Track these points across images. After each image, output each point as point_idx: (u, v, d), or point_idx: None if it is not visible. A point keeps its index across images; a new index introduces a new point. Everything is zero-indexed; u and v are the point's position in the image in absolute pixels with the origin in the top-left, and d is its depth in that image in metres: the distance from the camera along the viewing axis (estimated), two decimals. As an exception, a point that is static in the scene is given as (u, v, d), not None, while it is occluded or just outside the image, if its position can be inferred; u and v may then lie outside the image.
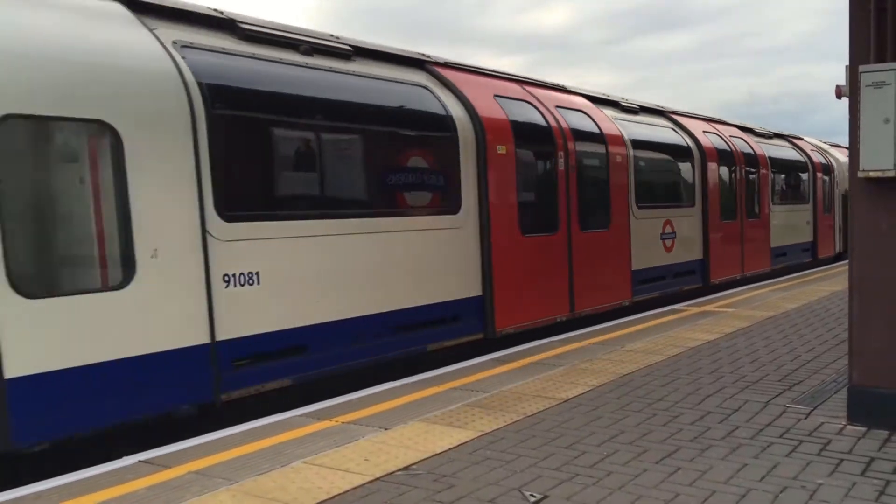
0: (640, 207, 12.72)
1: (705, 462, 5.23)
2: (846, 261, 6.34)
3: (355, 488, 4.81)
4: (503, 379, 7.71)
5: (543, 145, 10.63)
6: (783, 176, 18.97)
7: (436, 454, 5.44)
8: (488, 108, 9.83)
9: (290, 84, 7.72)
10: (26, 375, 5.42)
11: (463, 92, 9.70)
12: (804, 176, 20.19)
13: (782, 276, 17.94)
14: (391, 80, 8.95)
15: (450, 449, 5.55)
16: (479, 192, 9.46)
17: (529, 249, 10.17)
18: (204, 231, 6.49)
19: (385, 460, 5.31)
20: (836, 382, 7.30)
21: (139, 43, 6.41)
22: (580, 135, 11.36)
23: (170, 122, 6.32)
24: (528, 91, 11.05)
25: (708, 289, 14.82)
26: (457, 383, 7.56)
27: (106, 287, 5.92)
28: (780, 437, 5.76)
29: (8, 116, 5.34)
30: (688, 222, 14.31)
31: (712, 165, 15.05)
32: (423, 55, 9.90)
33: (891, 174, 5.67)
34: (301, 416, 6.52)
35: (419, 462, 5.28)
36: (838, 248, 22.14)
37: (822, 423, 6.07)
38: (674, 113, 15.34)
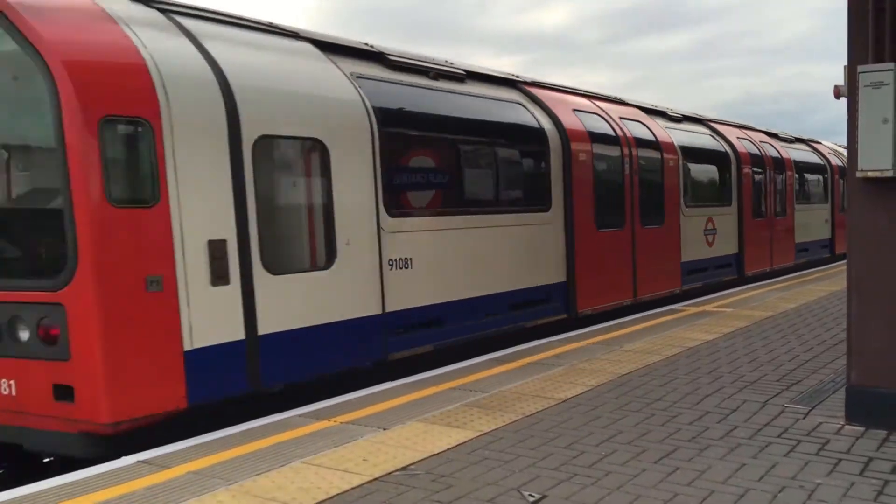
0: (687, 206, 14.30)
1: (704, 462, 5.24)
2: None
3: (354, 488, 4.81)
4: (502, 379, 7.71)
5: (612, 152, 12.21)
6: (805, 177, 20.41)
7: (434, 454, 5.44)
8: (570, 120, 11.39)
9: (426, 104, 9.40)
10: (270, 333, 6.96)
11: (549, 107, 11.27)
12: (823, 177, 21.85)
13: (805, 269, 19.23)
14: (495, 99, 10.59)
15: (448, 449, 5.55)
16: (565, 193, 11.00)
17: (603, 242, 11.76)
18: (378, 225, 8.11)
19: (384, 460, 5.31)
20: (834, 382, 7.31)
21: (332, 76, 8.09)
22: (640, 142, 12.97)
23: (357, 139, 7.94)
24: (597, 105, 12.65)
25: (743, 280, 16.28)
26: (455, 383, 7.56)
27: (316, 268, 7.56)
28: (779, 436, 5.76)
29: (261, 137, 6.94)
30: (726, 220, 15.78)
31: (746, 169, 16.59)
32: (515, 76, 11.49)
33: (889, 174, 5.68)
34: (300, 416, 6.52)
35: (418, 462, 5.28)
36: None
37: (821, 423, 6.07)
38: (711, 121, 16.93)
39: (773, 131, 20.30)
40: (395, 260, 8.32)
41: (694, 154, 14.89)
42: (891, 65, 5.64)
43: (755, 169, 17.07)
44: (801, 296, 13.88)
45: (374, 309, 8.07)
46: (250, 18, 7.95)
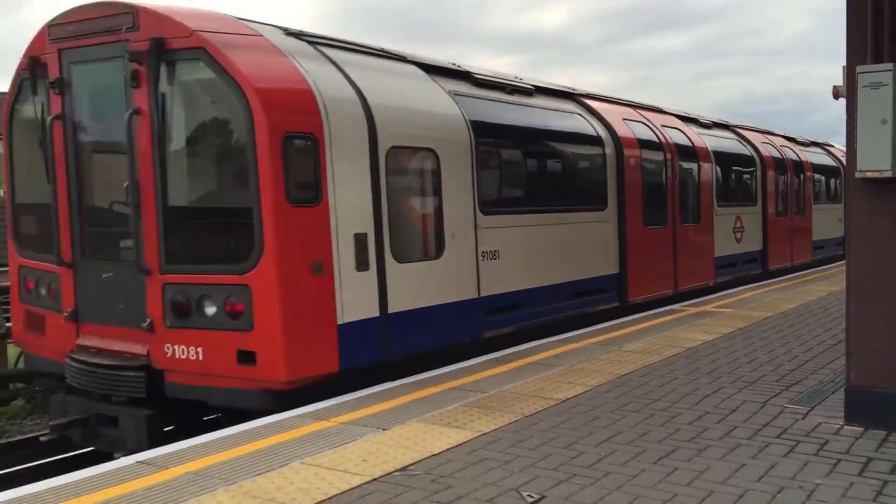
0: (719, 206, 15.56)
1: (703, 462, 5.24)
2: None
3: (353, 489, 4.81)
4: (501, 379, 7.71)
5: (657, 157, 13.51)
6: (820, 178, 21.55)
7: (434, 454, 5.44)
8: (621, 129, 12.67)
9: (506, 116, 10.64)
10: (397, 312, 8.23)
11: (604, 116, 12.55)
12: (837, 179, 22.75)
13: (820, 265, 20.04)
14: (559, 110, 11.88)
15: (448, 449, 5.55)
16: (618, 194, 12.24)
17: (649, 238, 13.00)
18: (475, 221, 9.38)
19: (383, 461, 5.31)
20: (833, 382, 7.31)
21: (438, 94, 9.46)
22: (680, 148, 14.29)
23: (460, 148, 9.24)
24: (641, 114, 13.96)
25: (767, 274, 17.50)
26: (455, 383, 7.56)
27: (429, 257, 8.85)
28: (778, 437, 5.77)
29: (392, 147, 8.26)
30: (752, 219, 17.06)
31: (770, 171, 17.92)
32: (571, 88, 12.79)
33: (888, 174, 5.68)
34: (299, 416, 6.52)
35: (417, 462, 5.28)
36: None
37: (820, 424, 6.08)
38: (737, 127, 18.37)
39: (791, 135, 21.65)
40: (487, 252, 9.61)
41: (724, 158, 16.12)
42: (889, 65, 5.64)
43: (777, 171, 18.36)
44: (800, 296, 13.89)
45: (472, 293, 9.38)
46: (367, 45, 9.33)
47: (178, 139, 7.80)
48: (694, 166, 14.75)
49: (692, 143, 14.91)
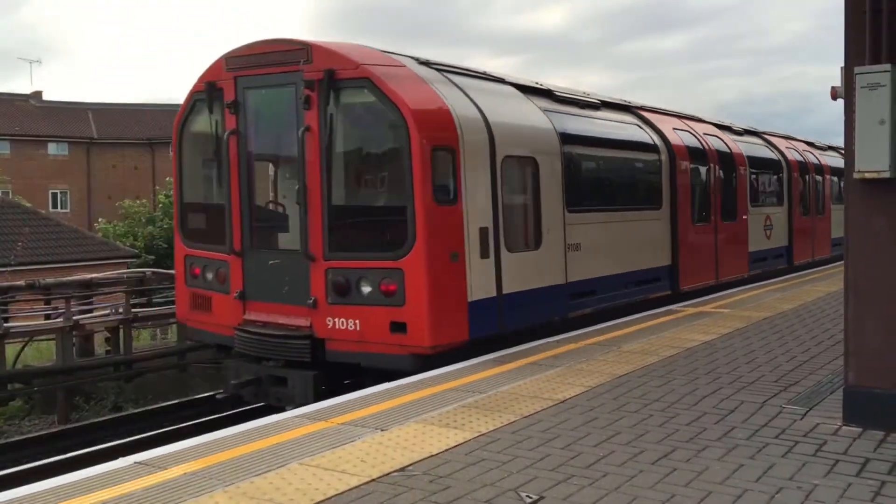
0: (752, 206, 17.22)
1: (701, 463, 5.24)
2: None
3: (351, 489, 4.81)
4: (499, 380, 7.71)
5: (701, 162, 15.19)
6: (837, 180, 22.58)
7: (432, 455, 5.43)
8: (673, 137, 14.33)
9: (583, 128, 12.21)
10: (508, 293, 9.78)
11: (657, 126, 14.22)
12: None
13: (839, 261, 20.67)
14: (621, 122, 13.55)
15: (446, 450, 5.55)
16: (671, 194, 13.85)
17: (696, 234, 14.67)
18: (563, 218, 10.92)
19: (381, 461, 5.30)
20: (831, 383, 7.32)
21: (533, 111, 11.14)
22: (720, 153, 15.95)
23: (552, 155, 10.85)
24: (686, 123, 15.68)
25: (792, 268, 18.92)
26: (453, 384, 7.56)
27: (531, 248, 10.45)
28: (776, 437, 5.77)
29: (505, 157, 9.88)
30: (779, 217, 18.73)
31: (795, 174, 19.61)
32: (628, 101, 14.49)
33: (886, 175, 5.68)
34: (297, 417, 6.52)
35: (415, 463, 5.28)
36: None
37: (818, 424, 6.08)
38: (764, 133, 20.14)
39: (811, 140, 23.39)
40: (571, 244, 11.15)
41: (756, 163, 17.78)
42: (887, 66, 5.64)
43: (801, 174, 20.06)
44: (798, 296, 13.90)
45: (561, 280, 10.92)
46: (476, 70, 11.07)
47: (342, 150, 9.52)
48: (731, 170, 16.40)
49: (729, 149, 16.61)
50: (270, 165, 10.63)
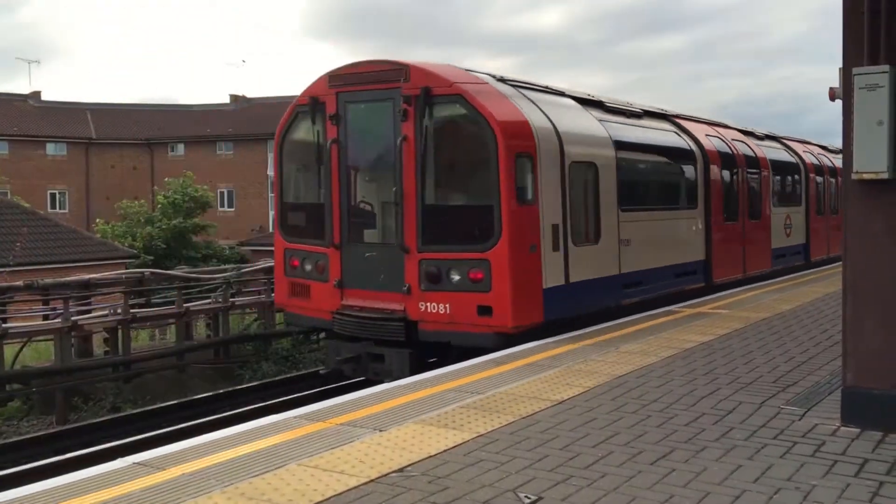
0: (774, 206, 18.57)
1: (700, 463, 5.24)
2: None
3: (350, 490, 4.81)
4: (498, 380, 7.71)
5: (731, 165, 16.50)
6: None
7: (431, 455, 5.43)
8: (706, 142, 15.72)
9: (630, 135, 13.46)
10: (574, 281, 11.13)
11: (692, 133, 15.58)
12: None
13: None
14: (661, 129, 14.94)
15: (445, 450, 5.55)
16: (705, 195, 15.18)
17: (727, 231, 15.96)
18: (617, 216, 12.27)
19: (380, 462, 5.30)
20: (829, 384, 7.32)
21: (591, 120, 12.55)
22: (746, 157, 17.34)
23: (608, 161, 12.20)
24: (716, 130, 17.19)
25: (810, 264, 20.20)
26: (452, 384, 7.56)
27: (591, 242, 11.76)
28: (775, 438, 5.77)
29: (572, 162, 11.16)
30: (797, 216, 20.05)
31: (811, 175, 21.04)
32: (664, 110, 15.94)
33: (884, 176, 5.69)
34: (296, 417, 6.51)
35: (414, 463, 5.28)
36: None
37: (816, 425, 6.08)
38: (783, 138, 21.69)
39: (824, 144, 24.79)
40: (623, 240, 12.42)
41: (777, 166, 19.17)
42: (886, 67, 5.65)
43: (817, 175, 21.44)
44: (796, 297, 13.91)
45: (615, 271, 12.27)
46: (542, 84, 12.41)
47: (435, 157, 10.70)
48: (756, 173, 17.75)
49: (754, 153, 18.03)
50: (364, 170, 11.78)
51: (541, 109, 11.19)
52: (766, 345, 9.44)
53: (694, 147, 15.24)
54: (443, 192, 11.15)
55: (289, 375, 16.28)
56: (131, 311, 16.68)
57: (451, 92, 10.43)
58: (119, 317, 16.38)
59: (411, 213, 10.56)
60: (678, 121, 15.74)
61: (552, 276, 10.74)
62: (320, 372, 13.34)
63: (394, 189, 10.67)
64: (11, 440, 12.53)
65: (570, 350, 9.24)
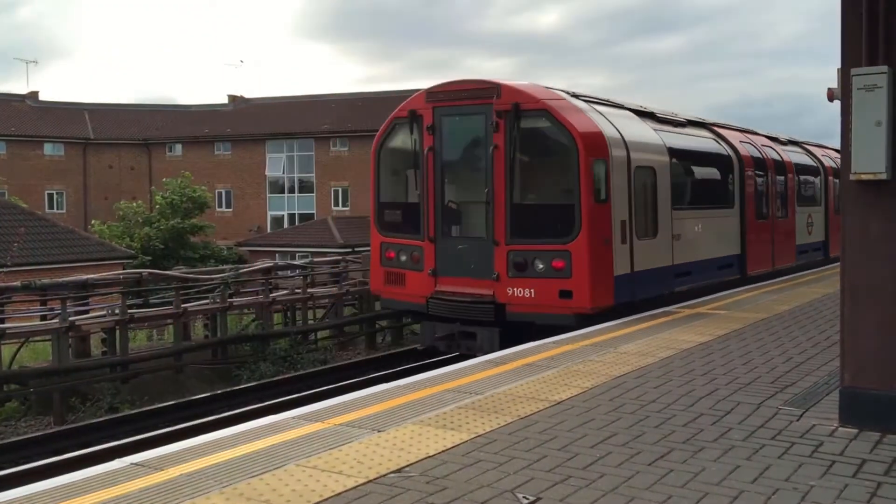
0: (798, 206, 20.24)
1: (698, 464, 5.25)
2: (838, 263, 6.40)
3: (348, 490, 4.81)
4: (496, 381, 7.71)
5: (761, 168, 18.14)
6: None
7: (429, 456, 5.43)
8: (741, 148, 17.41)
9: (678, 142, 15.01)
10: (637, 270, 12.80)
11: (728, 139, 17.32)
12: None
13: None
14: (702, 136, 16.72)
15: (443, 451, 5.54)
16: (740, 195, 16.90)
17: (758, 229, 17.60)
18: (670, 213, 13.97)
19: (378, 462, 5.30)
20: (827, 384, 7.33)
21: (648, 130, 14.24)
22: (774, 161, 19.09)
23: (664, 165, 13.94)
24: (748, 136, 18.85)
25: (828, 260, 21.53)
26: (450, 385, 7.55)
27: (648, 237, 13.24)
28: (773, 438, 5.77)
29: (636, 167, 12.85)
30: (818, 216, 21.70)
31: (830, 177, 22.54)
32: (703, 119, 17.78)
33: (883, 177, 5.69)
34: (294, 418, 6.51)
35: (412, 464, 5.27)
36: None
37: (814, 425, 6.09)
38: (804, 143, 23.47)
39: (839, 148, 26.35)
40: (675, 235, 14.10)
41: (800, 168, 20.91)
42: (884, 68, 5.65)
43: (834, 178, 22.39)
44: (795, 298, 13.92)
45: (669, 262, 13.98)
46: (605, 98, 14.09)
47: (522, 162, 12.47)
48: (782, 175, 19.41)
49: (781, 157, 19.73)
50: (456, 173, 13.43)
51: (609, 121, 12.79)
52: (764, 345, 9.44)
53: (731, 153, 16.93)
54: (529, 192, 12.82)
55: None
56: (129, 311, 16.67)
57: (538, 107, 12.17)
58: (117, 317, 16.37)
59: (500, 211, 12.28)
60: (715, 129, 17.47)
61: (620, 266, 12.41)
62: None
63: (486, 190, 12.39)
64: (9, 440, 12.51)
65: (568, 350, 9.24)
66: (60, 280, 18.77)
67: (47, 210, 52.11)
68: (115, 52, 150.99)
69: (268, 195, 57.97)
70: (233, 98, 64.46)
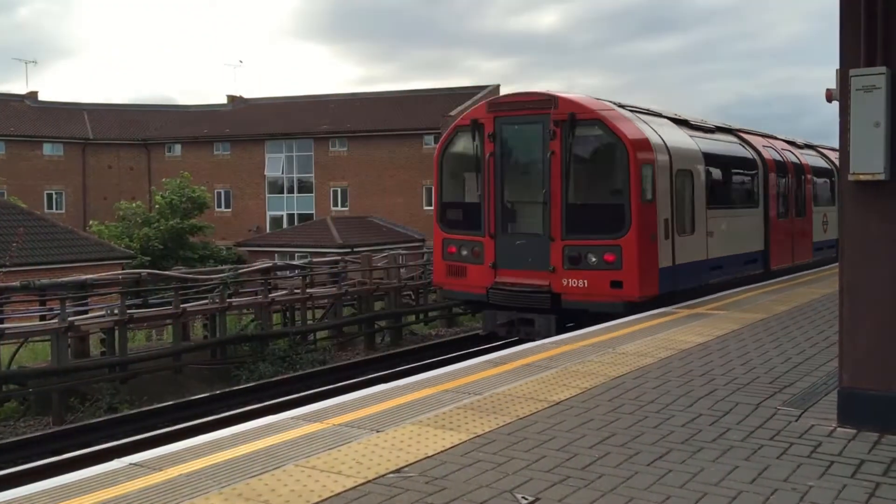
0: (815, 206, 21.69)
1: (697, 464, 5.25)
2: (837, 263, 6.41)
3: (347, 490, 4.81)
4: (495, 381, 7.71)
5: (783, 171, 19.58)
6: None
7: (428, 456, 5.43)
8: (765, 152, 18.92)
9: (710, 147, 16.32)
10: (678, 264, 14.20)
11: (753, 144, 18.82)
12: None
13: None
14: (730, 142, 18.07)
15: (442, 451, 5.55)
16: (764, 196, 18.36)
17: (780, 226, 19.08)
18: (706, 212, 15.46)
19: (377, 463, 5.30)
20: (826, 385, 7.33)
21: (685, 136, 15.56)
22: (794, 164, 20.56)
23: (699, 168, 15.34)
24: (769, 141, 20.38)
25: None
26: (449, 385, 7.56)
27: (686, 234, 14.67)
28: (771, 439, 5.78)
29: (677, 170, 14.23)
30: (832, 215, 22.27)
31: None
32: (728, 125, 19.12)
33: (881, 177, 5.70)
34: (293, 418, 6.51)
35: (411, 464, 5.28)
36: None
37: (813, 426, 6.09)
38: (818, 146, 24.95)
39: None
40: (709, 232, 15.48)
41: (815, 170, 22.24)
42: (882, 69, 5.66)
43: None
44: (793, 298, 13.93)
45: (704, 256, 15.36)
46: (646, 107, 15.41)
47: (576, 166, 13.71)
48: (801, 177, 20.82)
49: (799, 160, 21.19)
50: (514, 176, 14.65)
51: (653, 128, 14.22)
52: (762, 346, 9.45)
53: (755, 156, 18.39)
54: (582, 193, 13.96)
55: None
56: (128, 311, 16.66)
57: (592, 117, 13.50)
58: (116, 317, 16.36)
59: (556, 210, 13.59)
60: (740, 134, 19.02)
61: (664, 259, 13.81)
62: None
63: (543, 191, 13.69)
64: (8, 441, 12.51)
65: (567, 351, 9.24)
66: (59, 280, 18.75)
67: (46, 210, 52.05)
68: (115, 53, 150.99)
69: (267, 195, 57.96)
70: (232, 98, 64.46)
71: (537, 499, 4.68)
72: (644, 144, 13.48)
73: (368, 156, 53.85)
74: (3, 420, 14.58)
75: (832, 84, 6.36)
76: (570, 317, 13.60)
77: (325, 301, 22.22)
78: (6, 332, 15.47)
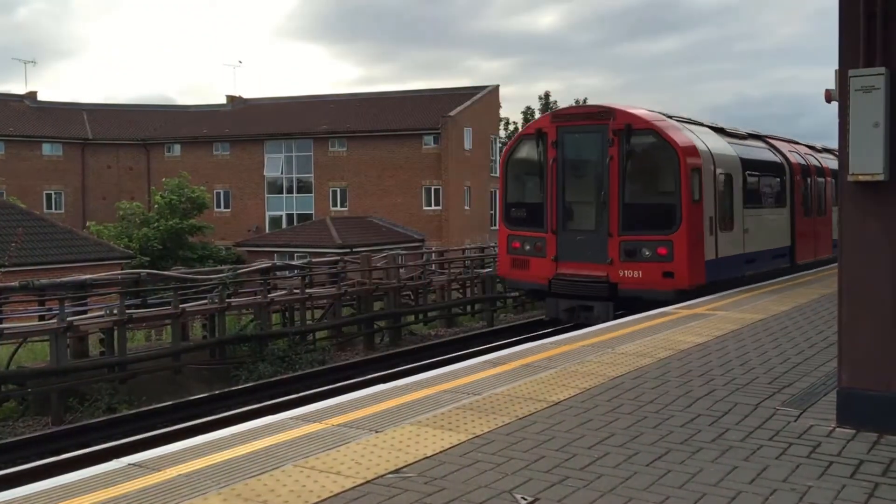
0: (833, 205, 22.18)
1: (696, 464, 5.25)
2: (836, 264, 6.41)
3: (346, 491, 4.81)
4: (494, 381, 7.71)
5: (806, 173, 21.54)
6: None
7: (427, 457, 5.43)
8: (791, 156, 20.96)
9: (744, 152, 18.12)
10: (720, 257, 16.14)
11: (780, 149, 20.77)
12: None
13: None
14: (760, 147, 20.01)
15: (441, 451, 5.55)
16: (791, 196, 20.26)
17: (804, 224, 20.92)
18: (743, 211, 17.27)
19: (376, 463, 5.30)
20: (825, 385, 7.33)
21: (724, 142, 17.37)
22: (815, 167, 22.59)
23: (737, 172, 17.22)
24: (793, 146, 22.32)
25: None
26: (448, 385, 7.55)
27: (728, 230, 16.60)
28: (770, 439, 5.78)
29: (719, 173, 16.26)
30: None
31: None
32: (758, 132, 21.19)
33: (880, 178, 5.70)
34: (292, 418, 6.51)
35: (410, 465, 5.27)
36: None
37: (812, 426, 6.09)
38: (835, 150, 24.46)
39: None
40: (745, 229, 17.28)
41: (834, 173, 22.47)
42: (881, 69, 5.66)
43: None
44: (792, 298, 13.93)
45: (741, 251, 17.14)
46: (688, 117, 17.39)
47: (632, 170, 15.52)
48: (821, 178, 22.70)
49: (820, 163, 23.16)
50: (575, 179, 16.37)
51: (697, 136, 16.00)
52: (761, 346, 9.45)
53: (783, 160, 20.27)
54: (637, 194, 15.65)
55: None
56: (127, 311, 16.66)
57: (646, 127, 15.36)
58: (115, 317, 16.35)
59: (614, 209, 15.36)
60: (768, 140, 21.03)
61: (709, 252, 15.58)
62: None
63: (602, 192, 15.54)
64: (7, 441, 12.50)
65: (566, 351, 9.24)
66: (58, 280, 18.73)
67: (45, 210, 52.00)
68: (114, 53, 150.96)
69: (266, 195, 57.93)
70: (231, 98, 64.45)
71: (536, 499, 4.68)
72: (692, 151, 15.25)
73: (368, 156, 53.85)
74: (2, 420, 14.57)
75: (831, 84, 6.35)
76: (625, 304, 14.94)
77: (325, 301, 22.22)
78: (5, 331, 15.47)
